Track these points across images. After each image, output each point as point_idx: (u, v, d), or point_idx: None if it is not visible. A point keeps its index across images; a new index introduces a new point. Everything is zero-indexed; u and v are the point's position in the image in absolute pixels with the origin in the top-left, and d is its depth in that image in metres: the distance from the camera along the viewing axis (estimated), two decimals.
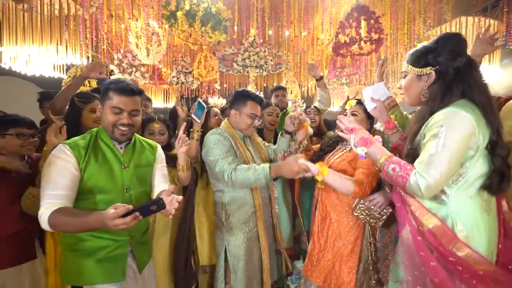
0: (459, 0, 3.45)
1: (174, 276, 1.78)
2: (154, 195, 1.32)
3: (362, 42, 2.64)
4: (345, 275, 1.46)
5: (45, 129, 1.85)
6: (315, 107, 2.51)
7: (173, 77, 5.29)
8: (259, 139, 1.89)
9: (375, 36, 2.62)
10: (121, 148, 1.25)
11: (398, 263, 1.15)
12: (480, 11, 3.45)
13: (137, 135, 1.36)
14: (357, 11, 2.66)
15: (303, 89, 6.76)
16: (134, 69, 4.35)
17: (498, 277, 0.97)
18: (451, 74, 1.03)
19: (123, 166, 1.22)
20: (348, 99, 1.74)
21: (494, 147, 0.99)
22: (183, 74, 5.23)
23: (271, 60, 4.11)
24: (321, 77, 2.54)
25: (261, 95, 6.99)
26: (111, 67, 4.34)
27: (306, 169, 1.36)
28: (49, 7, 2.83)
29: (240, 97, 1.69)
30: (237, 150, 1.61)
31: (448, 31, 3.30)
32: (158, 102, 7.00)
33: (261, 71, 4.24)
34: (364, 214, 1.40)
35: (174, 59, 5.08)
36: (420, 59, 1.09)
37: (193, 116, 1.83)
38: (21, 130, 1.48)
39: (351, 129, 1.12)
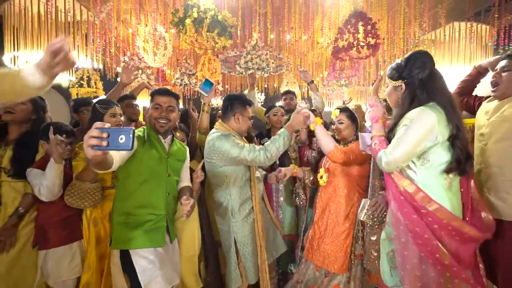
0: (453, 5, 3.60)
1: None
2: (179, 187, 1.67)
3: (359, 46, 2.78)
4: (342, 254, 1.74)
5: (79, 131, 2.11)
6: (319, 112, 2.77)
7: (177, 78, 5.43)
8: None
9: (372, 41, 2.76)
10: (165, 142, 1.57)
11: (388, 223, 1.40)
12: (473, 16, 3.59)
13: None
14: (354, 17, 2.81)
15: (303, 90, 6.90)
16: (140, 71, 4.50)
17: (461, 229, 1.18)
18: (416, 84, 1.28)
19: (166, 156, 1.54)
20: (343, 103, 2.01)
21: (454, 140, 1.22)
22: (186, 76, 5.37)
23: (273, 63, 4.24)
24: (312, 81, 2.79)
25: (263, 96, 7.10)
26: (118, 69, 4.48)
27: (308, 116, 1.72)
28: (61, 13, 2.98)
29: (241, 102, 1.85)
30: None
31: (442, 35, 3.45)
32: None
33: (263, 73, 4.38)
34: (371, 217, 1.62)
35: (178, 61, 5.23)
36: (394, 74, 1.35)
37: (200, 90, 2.05)
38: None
39: (371, 105, 1.47)
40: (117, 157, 1.23)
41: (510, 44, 3.26)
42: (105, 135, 0.85)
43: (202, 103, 2.15)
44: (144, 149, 1.46)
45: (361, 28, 2.76)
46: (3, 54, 3.01)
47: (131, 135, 0.84)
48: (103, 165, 1.10)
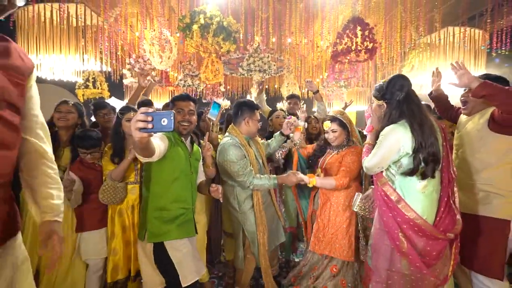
0: (448, 10, 3.73)
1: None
2: (197, 183, 1.83)
3: (357, 50, 2.91)
4: (347, 241, 1.94)
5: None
6: (315, 117, 2.92)
7: (180, 80, 5.56)
8: (258, 139, 2.27)
9: (369, 45, 2.89)
10: (186, 143, 1.75)
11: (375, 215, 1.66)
12: (467, 21, 3.73)
13: None
14: (352, 22, 2.94)
15: (303, 91, 7.03)
16: (145, 73, 4.61)
17: (425, 230, 1.41)
18: (394, 104, 1.50)
19: (189, 156, 1.71)
20: (346, 105, 2.18)
21: (416, 152, 1.42)
22: (189, 77, 5.50)
23: (274, 65, 4.38)
24: (317, 91, 2.92)
25: (263, 96, 7.21)
26: (124, 71, 4.61)
27: (301, 180, 1.95)
28: (72, 18, 3.10)
29: (249, 107, 2.06)
30: (246, 153, 1.99)
31: (437, 39, 3.58)
32: (164, 102, 7.25)
33: (265, 74, 4.51)
34: (363, 208, 1.81)
35: (181, 63, 5.35)
36: (378, 95, 1.58)
37: (209, 116, 2.20)
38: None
39: (367, 116, 1.79)
40: (157, 149, 1.38)
41: (503, 48, 3.40)
42: (149, 118, 0.94)
43: (211, 124, 2.32)
44: (174, 150, 1.62)
45: (359, 33, 2.89)
46: None
47: (172, 118, 0.94)
48: (147, 150, 1.24)
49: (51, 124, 2.04)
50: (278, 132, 2.27)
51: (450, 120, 2.12)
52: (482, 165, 1.66)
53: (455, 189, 1.51)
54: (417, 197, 1.46)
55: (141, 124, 0.94)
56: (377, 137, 1.58)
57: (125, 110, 1.98)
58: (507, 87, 1.51)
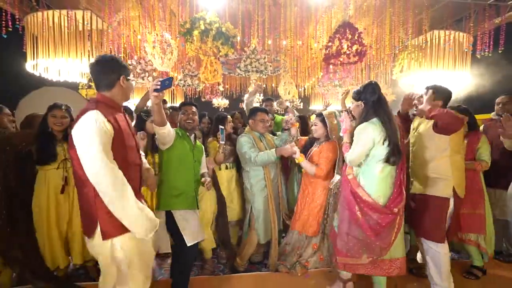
0: (436, 13, 3.91)
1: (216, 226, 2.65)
2: (200, 172, 2.20)
3: (347, 53, 3.10)
4: (315, 223, 2.41)
5: None
6: (298, 116, 3.30)
7: (180, 80, 5.73)
8: (270, 136, 2.79)
9: (359, 48, 3.08)
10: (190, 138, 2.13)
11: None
12: (455, 23, 3.91)
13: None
14: (343, 27, 3.13)
15: (300, 89, 7.21)
16: (146, 74, 4.81)
17: (377, 208, 1.84)
18: (369, 104, 1.85)
19: (193, 147, 2.12)
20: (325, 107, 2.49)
21: (388, 143, 1.79)
22: (189, 77, 5.68)
23: (270, 66, 4.57)
24: (287, 107, 3.41)
25: (261, 96, 7.38)
26: None
27: (294, 152, 2.38)
28: (79, 23, 3.27)
29: (253, 112, 2.64)
30: (256, 145, 2.53)
31: (423, 42, 3.78)
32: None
33: (261, 75, 4.70)
34: (336, 188, 2.28)
35: (182, 64, 5.52)
36: (356, 96, 1.94)
37: (220, 142, 2.54)
38: None
39: (341, 120, 2.23)
40: (168, 125, 1.86)
41: (486, 50, 3.60)
42: (159, 82, 1.55)
43: (218, 145, 2.62)
44: (180, 141, 2.06)
45: (349, 37, 3.08)
46: (26, 62, 3.31)
47: (172, 80, 1.56)
48: (161, 115, 1.74)
49: (45, 123, 2.18)
50: (281, 130, 2.80)
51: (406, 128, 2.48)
52: (429, 158, 2.09)
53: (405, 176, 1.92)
54: (375, 180, 1.88)
55: (155, 87, 1.55)
56: (352, 136, 1.96)
57: (149, 113, 2.31)
58: (446, 110, 1.91)
